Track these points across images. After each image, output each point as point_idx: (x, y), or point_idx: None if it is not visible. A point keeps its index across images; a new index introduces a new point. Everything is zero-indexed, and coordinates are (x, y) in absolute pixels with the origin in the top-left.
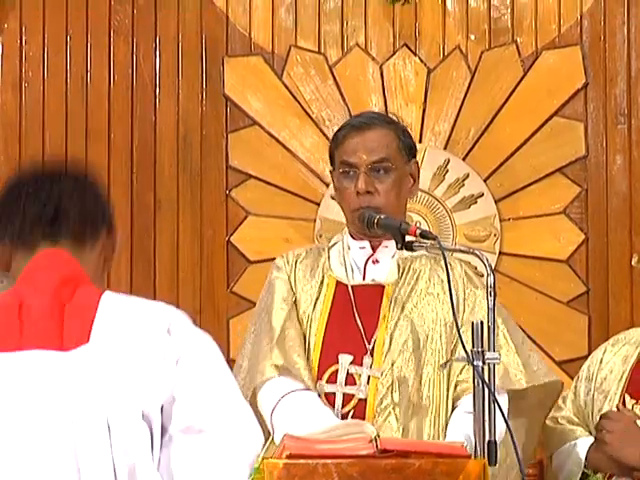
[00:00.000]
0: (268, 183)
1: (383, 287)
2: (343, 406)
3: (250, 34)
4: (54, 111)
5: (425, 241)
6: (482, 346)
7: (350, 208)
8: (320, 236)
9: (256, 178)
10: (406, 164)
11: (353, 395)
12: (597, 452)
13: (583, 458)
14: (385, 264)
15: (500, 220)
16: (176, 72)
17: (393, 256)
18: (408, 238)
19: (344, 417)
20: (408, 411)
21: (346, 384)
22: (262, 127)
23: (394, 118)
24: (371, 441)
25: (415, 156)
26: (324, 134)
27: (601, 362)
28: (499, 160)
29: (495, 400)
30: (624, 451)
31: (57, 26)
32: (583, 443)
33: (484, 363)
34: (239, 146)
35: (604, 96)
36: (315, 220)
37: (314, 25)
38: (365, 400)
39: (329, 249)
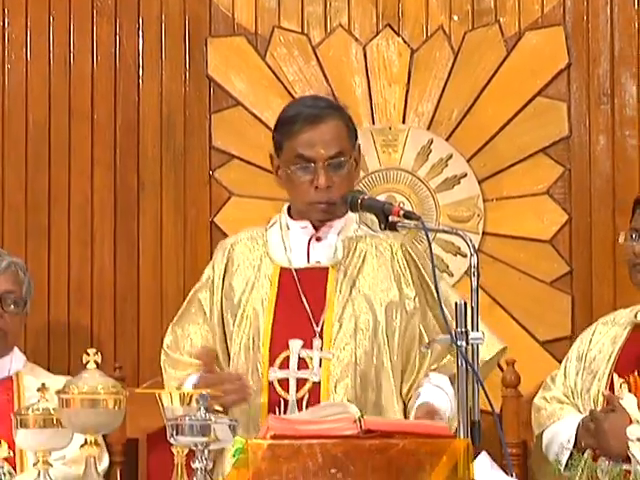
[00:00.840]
0: (251, 164)
1: (327, 269)
2: (297, 390)
3: (233, 15)
4: (37, 92)
5: (408, 221)
6: (465, 326)
7: (305, 200)
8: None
9: (239, 159)
10: (353, 150)
11: (307, 379)
12: (586, 433)
13: (573, 436)
14: (329, 243)
15: (483, 200)
16: (159, 53)
17: (339, 234)
18: (391, 218)
19: (299, 402)
20: (363, 394)
21: (299, 369)
22: (245, 108)
23: (337, 102)
24: (355, 421)
25: (357, 139)
26: None
27: (590, 342)
28: (482, 140)
29: (479, 380)
30: (610, 442)
31: (40, 7)
32: (571, 421)
33: (467, 343)
34: (222, 127)
35: (587, 76)
36: None
37: (297, 6)
38: (319, 383)
39: (266, 231)
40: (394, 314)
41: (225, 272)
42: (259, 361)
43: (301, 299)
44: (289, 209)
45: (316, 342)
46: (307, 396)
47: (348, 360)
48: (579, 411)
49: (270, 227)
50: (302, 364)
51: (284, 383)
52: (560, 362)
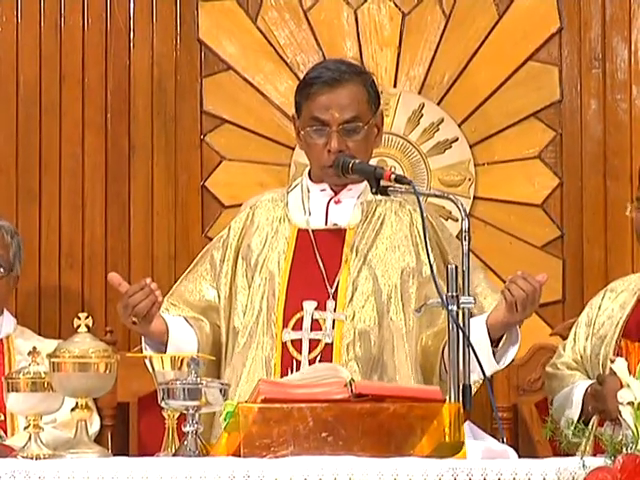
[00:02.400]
0: (243, 128)
1: (345, 231)
2: (310, 352)
3: None
4: (28, 55)
5: (400, 186)
6: (456, 290)
7: (320, 164)
8: (295, 179)
9: (230, 123)
10: (373, 116)
11: (319, 340)
12: (591, 396)
13: (580, 402)
14: (348, 206)
15: (475, 165)
16: (150, 16)
17: (358, 198)
18: (383, 183)
19: (311, 363)
20: (376, 357)
21: (312, 330)
22: (237, 72)
23: (361, 67)
24: (346, 385)
25: (380, 105)
26: (299, 79)
27: (599, 308)
28: (474, 105)
29: (470, 344)
30: (608, 405)
31: None
32: (580, 387)
33: (459, 307)
34: (213, 91)
35: (579, 40)
36: (290, 165)
37: None
38: (332, 344)
39: (288, 194)
40: (410, 280)
41: (244, 233)
42: (273, 322)
43: (317, 260)
44: (310, 172)
45: (330, 303)
46: (319, 357)
47: (361, 322)
48: (589, 377)
49: (292, 189)
50: (315, 325)
51: (297, 344)
52: (551, 326)
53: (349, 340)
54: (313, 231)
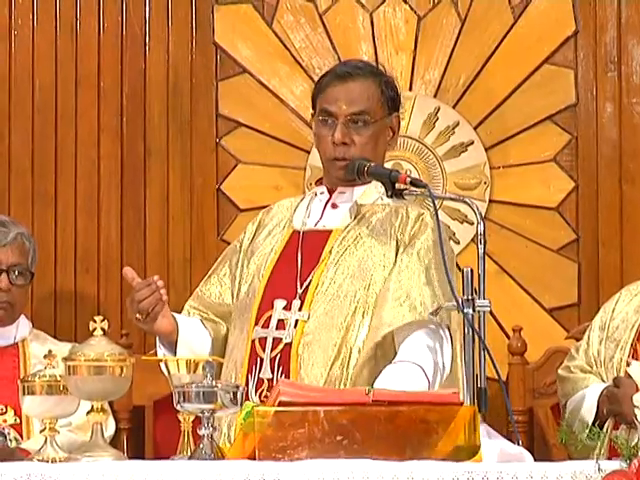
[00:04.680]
0: (258, 131)
1: (330, 232)
2: (272, 350)
3: None
4: (44, 59)
5: (415, 189)
6: (472, 294)
7: (325, 156)
8: (310, 184)
9: (246, 126)
10: (386, 117)
11: (281, 339)
12: (607, 399)
13: (595, 405)
14: (343, 209)
15: (490, 168)
16: (166, 20)
17: (353, 201)
18: (398, 186)
19: (272, 361)
20: (330, 359)
21: (277, 329)
22: (252, 75)
23: (381, 68)
24: (367, 393)
25: (398, 109)
26: (314, 82)
27: (613, 311)
28: (489, 108)
29: (485, 348)
30: (623, 408)
31: None
32: (595, 390)
33: (474, 311)
34: (229, 94)
35: (594, 43)
36: (305, 168)
37: None
38: (291, 344)
39: (302, 199)
40: (385, 280)
41: (254, 236)
42: (248, 320)
43: (297, 260)
44: (321, 177)
45: (295, 303)
46: (279, 356)
47: (323, 322)
48: (602, 380)
49: (307, 196)
50: (280, 324)
51: (263, 342)
52: (567, 330)
53: (308, 340)
54: (303, 232)
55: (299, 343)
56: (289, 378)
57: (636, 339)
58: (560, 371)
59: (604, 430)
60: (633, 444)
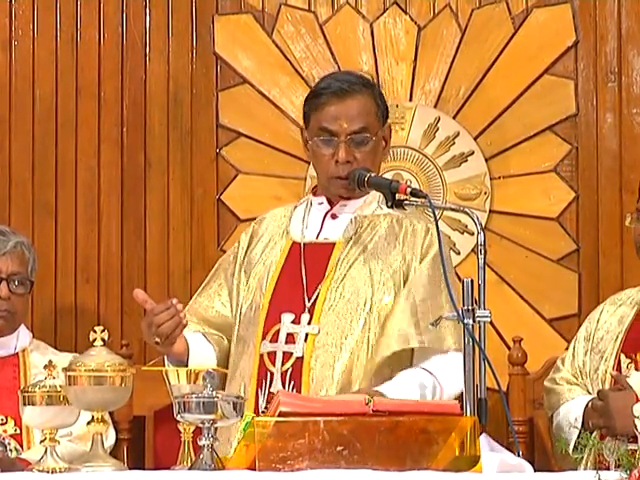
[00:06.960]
0: (258, 141)
1: (333, 245)
2: (283, 364)
3: None
4: (44, 69)
5: (416, 199)
6: (472, 304)
7: (327, 175)
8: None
9: (246, 136)
10: (381, 129)
11: (292, 353)
12: (593, 412)
13: (580, 417)
14: (343, 221)
15: (490, 178)
16: (166, 30)
17: (354, 213)
18: (398, 196)
19: (283, 375)
20: (346, 373)
21: (286, 343)
22: (252, 85)
23: (370, 79)
24: (367, 403)
25: (388, 118)
26: None
27: (598, 322)
28: (489, 118)
29: (485, 358)
30: (615, 421)
31: None
32: (580, 402)
33: (474, 321)
34: (229, 104)
35: (594, 54)
36: (305, 178)
37: None
38: (302, 358)
39: (295, 208)
40: (388, 295)
41: (249, 246)
42: (255, 334)
43: (301, 274)
44: (315, 186)
45: (304, 317)
46: (290, 370)
47: (334, 336)
48: (588, 391)
49: (300, 204)
50: (290, 338)
51: (272, 356)
52: (567, 340)
53: (319, 354)
54: (304, 244)
55: (310, 357)
56: (300, 392)
57: (620, 350)
58: (546, 383)
59: (591, 443)
60: (638, 455)
